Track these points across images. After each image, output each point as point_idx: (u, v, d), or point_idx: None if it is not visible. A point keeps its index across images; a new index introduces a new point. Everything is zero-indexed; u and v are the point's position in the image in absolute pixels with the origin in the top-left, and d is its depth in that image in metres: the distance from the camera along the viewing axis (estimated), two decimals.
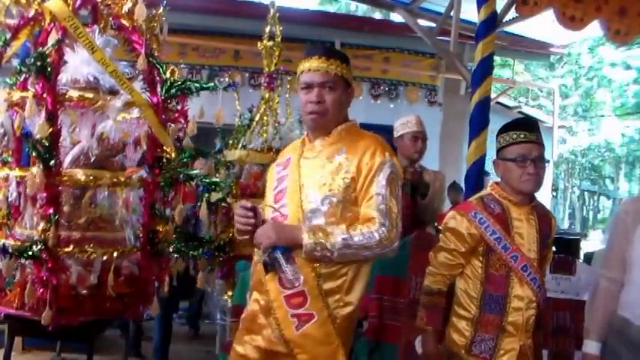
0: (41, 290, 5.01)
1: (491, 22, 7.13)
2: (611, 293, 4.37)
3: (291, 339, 3.72)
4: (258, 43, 7.74)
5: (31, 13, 5.47)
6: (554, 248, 9.18)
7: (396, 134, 6.57)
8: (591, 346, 4.36)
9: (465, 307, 4.35)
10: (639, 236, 4.24)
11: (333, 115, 3.88)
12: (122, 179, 5.52)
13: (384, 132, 6.85)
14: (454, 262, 4.35)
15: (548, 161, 4.34)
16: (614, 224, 4.49)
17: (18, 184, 5.40)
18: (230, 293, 6.60)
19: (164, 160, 5.53)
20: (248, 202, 3.89)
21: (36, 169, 5.02)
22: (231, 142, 7.66)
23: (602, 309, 4.38)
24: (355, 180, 3.75)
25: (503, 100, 17.32)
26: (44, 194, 5.02)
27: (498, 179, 4.45)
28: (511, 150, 4.26)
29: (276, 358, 3.81)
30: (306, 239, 3.59)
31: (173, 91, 5.51)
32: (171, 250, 5.50)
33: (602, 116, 34.08)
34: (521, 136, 4.26)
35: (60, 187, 5.19)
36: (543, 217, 4.41)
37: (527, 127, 4.31)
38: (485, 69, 7.12)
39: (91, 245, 5.35)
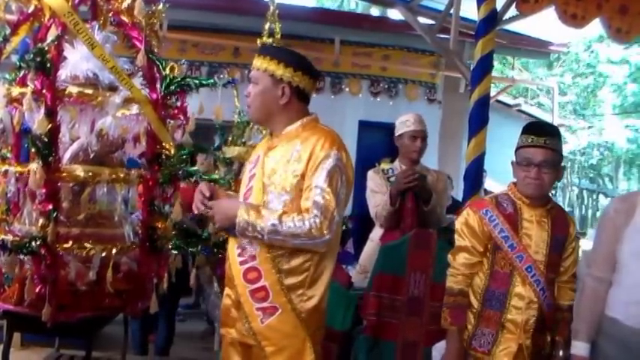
0: (40, 286, 5.01)
1: (491, 19, 7.14)
2: (598, 293, 4.37)
3: (258, 331, 3.90)
4: (258, 40, 7.76)
5: (31, 9, 5.45)
6: None
7: (396, 133, 6.58)
8: (580, 347, 4.36)
9: (470, 301, 4.43)
10: (629, 235, 4.23)
11: (255, 108, 4.08)
12: (121, 175, 5.51)
13: (384, 129, 6.88)
14: (474, 260, 4.42)
15: (565, 167, 4.36)
16: (603, 223, 4.49)
17: (17, 179, 5.39)
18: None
19: (163, 157, 5.52)
20: (208, 185, 4.12)
21: (35, 165, 5.01)
22: (230, 138, 7.67)
23: (590, 309, 4.39)
24: (303, 176, 3.87)
25: (502, 98, 17.31)
26: (43, 190, 5.01)
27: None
28: (519, 153, 4.36)
29: (249, 349, 4.02)
30: (239, 217, 3.77)
31: (172, 87, 5.49)
32: (170, 246, 5.49)
33: (602, 115, 34.05)
34: (529, 140, 4.31)
35: (59, 183, 5.17)
36: (559, 221, 4.45)
37: (538, 131, 4.36)
38: (484, 67, 7.14)
39: (90, 241, 5.33)
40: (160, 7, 5.76)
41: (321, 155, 3.83)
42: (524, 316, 4.30)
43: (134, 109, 5.51)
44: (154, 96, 5.46)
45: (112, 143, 5.61)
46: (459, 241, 4.47)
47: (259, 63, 4.01)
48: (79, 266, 5.28)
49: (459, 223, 4.52)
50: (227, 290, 4.14)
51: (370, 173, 6.73)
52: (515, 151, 4.42)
